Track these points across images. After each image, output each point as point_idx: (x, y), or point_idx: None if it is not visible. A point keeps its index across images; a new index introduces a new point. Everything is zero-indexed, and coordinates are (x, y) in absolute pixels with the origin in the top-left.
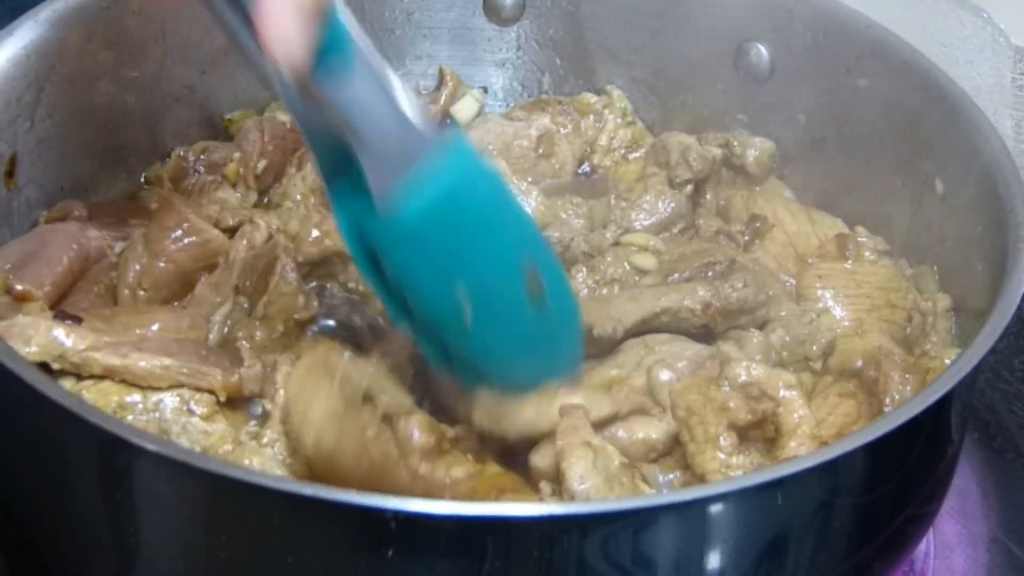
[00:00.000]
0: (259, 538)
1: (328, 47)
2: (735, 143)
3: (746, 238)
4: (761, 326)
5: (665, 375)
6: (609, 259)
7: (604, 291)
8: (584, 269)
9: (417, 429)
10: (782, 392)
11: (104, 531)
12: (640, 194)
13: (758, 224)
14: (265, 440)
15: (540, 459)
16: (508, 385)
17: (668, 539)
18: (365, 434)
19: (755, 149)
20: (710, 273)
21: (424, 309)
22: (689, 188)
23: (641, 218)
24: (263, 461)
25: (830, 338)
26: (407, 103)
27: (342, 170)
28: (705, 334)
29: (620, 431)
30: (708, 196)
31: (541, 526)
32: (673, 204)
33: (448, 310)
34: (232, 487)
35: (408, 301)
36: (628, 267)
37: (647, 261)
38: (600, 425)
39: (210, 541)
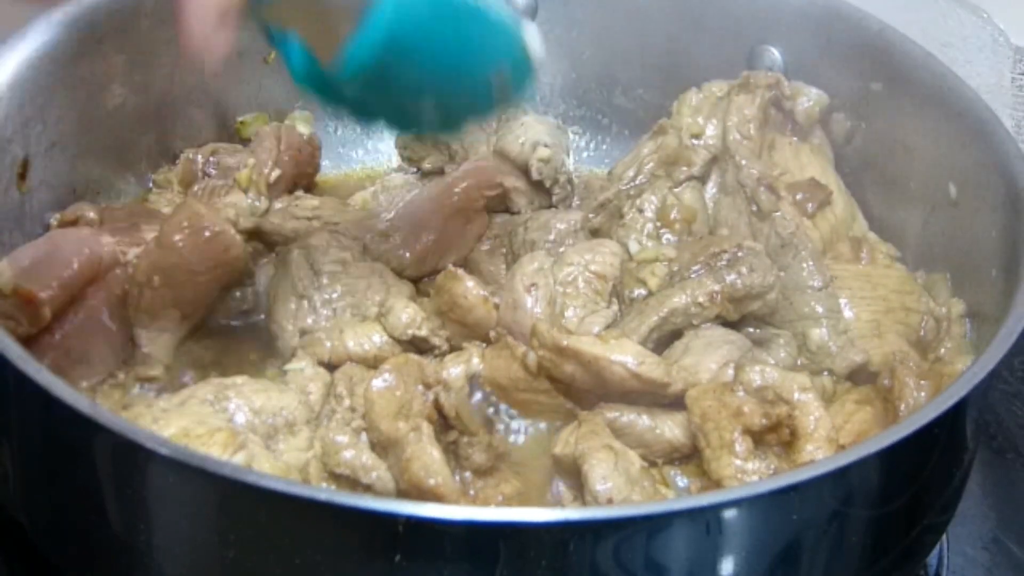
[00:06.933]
0: (268, 540)
1: None
2: (786, 85)
3: (811, 206)
4: (773, 315)
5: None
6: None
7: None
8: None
9: (478, 452)
10: (797, 395)
11: (114, 531)
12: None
13: (822, 196)
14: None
15: (561, 448)
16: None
17: (679, 545)
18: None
19: (808, 99)
20: (720, 263)
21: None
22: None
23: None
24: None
25: (861, 361)
26: None
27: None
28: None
29: (645, 417)
30: (753, 132)
31: (553, 532)
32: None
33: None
34: (243, 491)
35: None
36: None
37: (651, 278)
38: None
39: (219, 542)
